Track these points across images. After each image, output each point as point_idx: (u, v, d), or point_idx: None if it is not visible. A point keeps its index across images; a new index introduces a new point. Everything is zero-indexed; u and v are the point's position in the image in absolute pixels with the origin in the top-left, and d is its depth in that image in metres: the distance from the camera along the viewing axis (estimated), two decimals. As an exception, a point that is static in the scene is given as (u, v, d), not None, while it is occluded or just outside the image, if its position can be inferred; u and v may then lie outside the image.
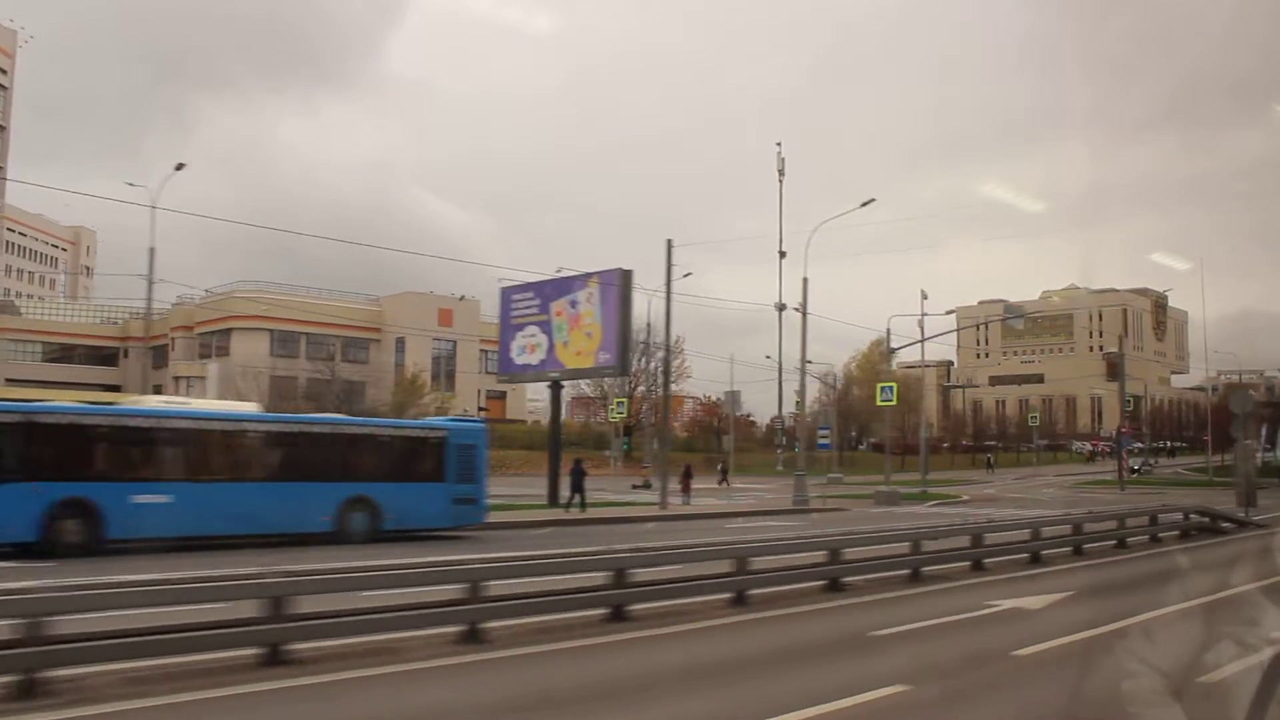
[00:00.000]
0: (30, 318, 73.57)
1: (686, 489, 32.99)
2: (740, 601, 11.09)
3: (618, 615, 10.00)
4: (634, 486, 40.17)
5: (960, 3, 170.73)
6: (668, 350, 36.09)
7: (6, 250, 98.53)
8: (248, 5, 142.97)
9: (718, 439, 66.88)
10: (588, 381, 64.35)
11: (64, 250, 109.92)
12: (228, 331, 65.58)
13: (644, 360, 59.35)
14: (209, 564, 11.70)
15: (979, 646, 9.39)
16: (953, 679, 8.11)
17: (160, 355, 68.68)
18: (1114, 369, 53.68)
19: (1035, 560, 15.72)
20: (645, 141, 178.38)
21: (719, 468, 47.27)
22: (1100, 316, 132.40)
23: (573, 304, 30.49)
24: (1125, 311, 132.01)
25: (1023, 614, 11.16)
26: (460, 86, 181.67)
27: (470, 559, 9.41)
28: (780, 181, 61.12)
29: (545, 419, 42.73)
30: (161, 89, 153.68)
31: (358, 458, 19.14)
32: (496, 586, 9.47)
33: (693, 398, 79.10)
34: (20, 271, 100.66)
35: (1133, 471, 57.41)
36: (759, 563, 12.06)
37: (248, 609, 8.03)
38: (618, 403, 48.13)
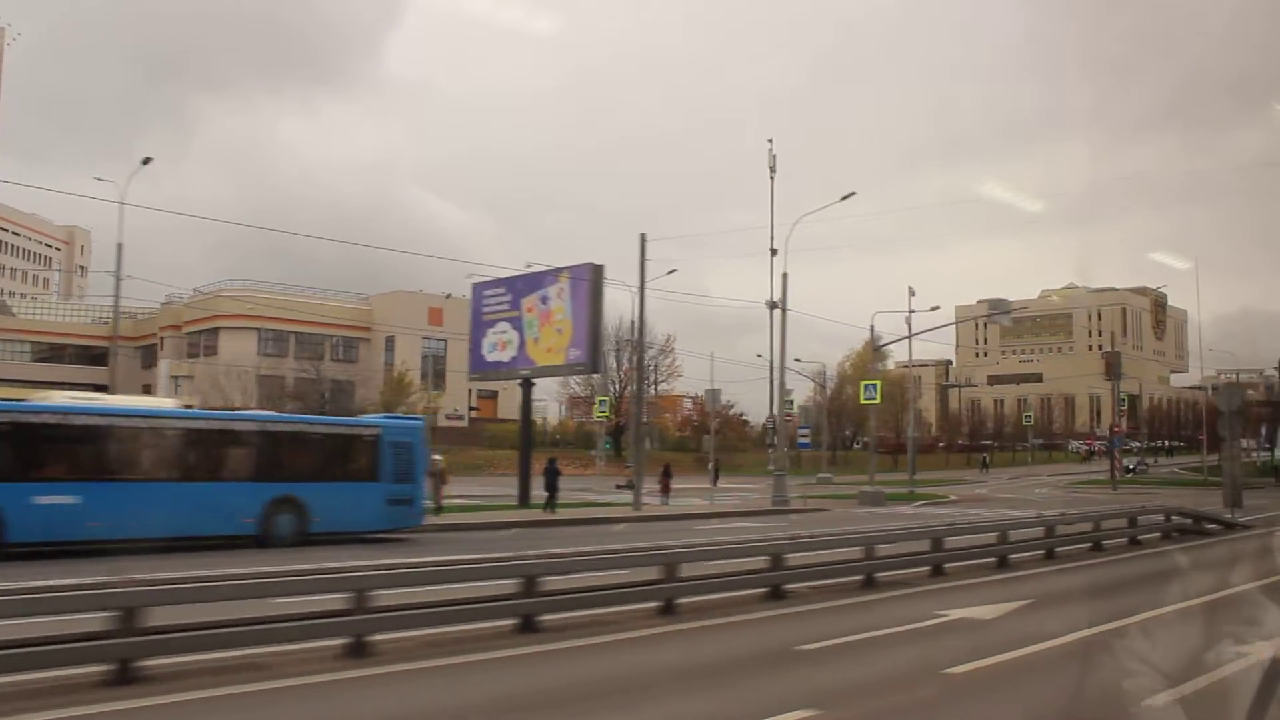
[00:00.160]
0: (21, 317, 73.19)
1: (665, 489, 32.25)
2: (669, 611, 10.37)
3: (527, 626, 9.29)
4: (617, 487, 39.48)
5: (960, 3, 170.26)
6: (640, 348, 35.28)
7: (0, 250, 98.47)
8: (247, 5, 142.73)
9: (712, 438, 66.00)
10: (579, 381, 63.86)
11: (58, 250, 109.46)
12: (215, 331, 64.97)
13: (631, 359, 58.63)
14: (89, 570, 10.99)
15: (911, 663, 8.64)
16: (868, 701, 7.38)
17: (150, 355, 68.22)
18: (1112, 368, 52.72)
19: (1002, 564, 15.06)
20: (645, 141, 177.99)
21: (709, 467, 46.46)
22: (1099, 315, 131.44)
23: (544, 300, 29.71)
24: (1124, 310, 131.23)
25: (972, 624, 10.44)
26: (460, 87, 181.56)
27: (357, 566, 8.68)
28: (771, 178, 60.16)
29: (543, 418, 42.16)
30: (161, 89, 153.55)
31: (284, 456, 18.37)
32: (391, 596, 8.78)
33: (691, 397, 78.39)
34: (14, 271, 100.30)
35: (1128, 471, 56.61)
36: (696, 569, 11.36)
37: (96, 622, 7.35)
38: (600, 402, 47.46)
